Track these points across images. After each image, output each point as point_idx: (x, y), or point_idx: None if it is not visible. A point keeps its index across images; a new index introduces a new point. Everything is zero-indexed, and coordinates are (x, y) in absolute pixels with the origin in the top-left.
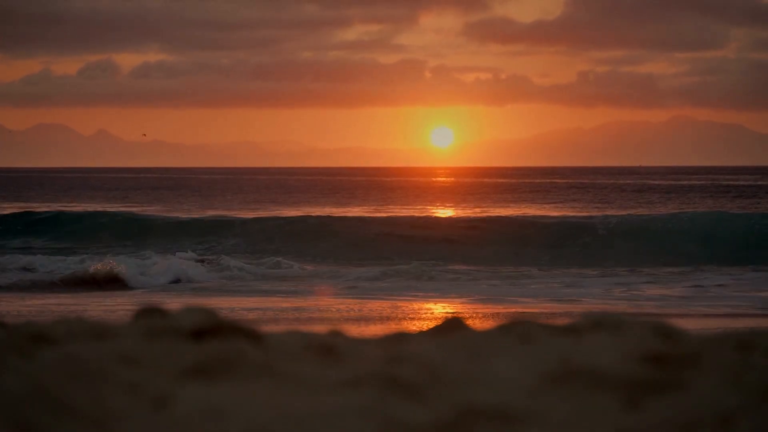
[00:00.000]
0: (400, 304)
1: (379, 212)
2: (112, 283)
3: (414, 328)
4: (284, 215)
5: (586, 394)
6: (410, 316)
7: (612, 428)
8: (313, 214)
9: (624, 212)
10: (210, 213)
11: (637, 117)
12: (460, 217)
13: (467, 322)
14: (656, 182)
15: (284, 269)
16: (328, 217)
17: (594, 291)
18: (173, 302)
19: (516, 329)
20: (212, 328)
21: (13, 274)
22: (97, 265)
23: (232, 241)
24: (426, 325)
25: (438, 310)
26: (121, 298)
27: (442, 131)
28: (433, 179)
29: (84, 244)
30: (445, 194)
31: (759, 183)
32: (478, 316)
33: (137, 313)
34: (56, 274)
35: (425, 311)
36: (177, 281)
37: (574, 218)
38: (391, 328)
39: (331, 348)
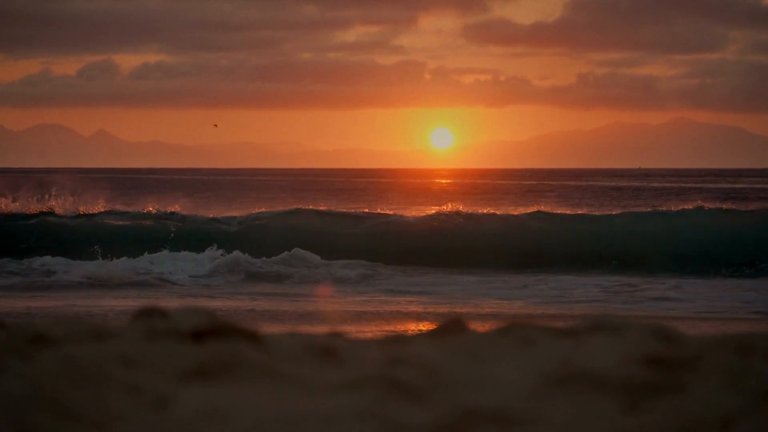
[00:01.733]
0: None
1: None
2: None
3: (414, 329)
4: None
5: (586, 397)
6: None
7: (612, 431)
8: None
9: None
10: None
11: (636, 119)
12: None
13: (467, 324)
14: (643, 184)
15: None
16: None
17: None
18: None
19: (516, 331)
20: (212, 330)
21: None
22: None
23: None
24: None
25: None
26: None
27: (442, 133)
28: (428, 181)
29: None
30: (426, 195)
31: (756, 186)
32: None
33: (136, 313)
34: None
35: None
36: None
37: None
38: (391, 329)
39: (331, 350)
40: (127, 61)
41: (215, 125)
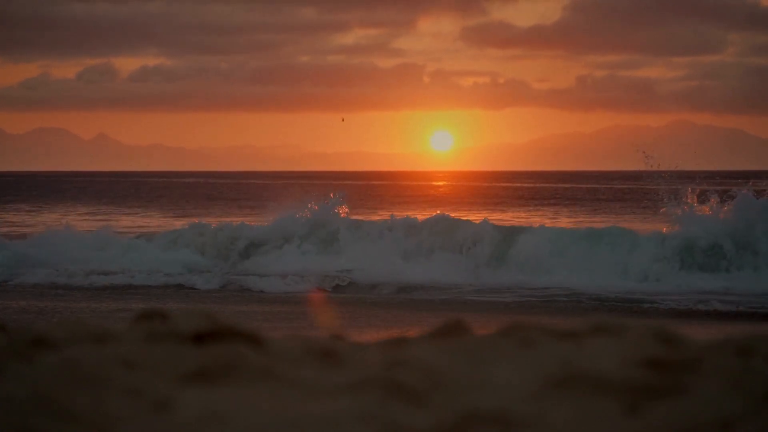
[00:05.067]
0: None
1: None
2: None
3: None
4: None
5: (587, 399)
6: None
7: None
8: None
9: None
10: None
11: (636, 121)
12: None
13: (467, 326)
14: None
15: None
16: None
17: None
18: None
19: (516, 333)
20: (213, 332)
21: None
22: None
23: None
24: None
25: None
26: None
27: (441, 135)
28: (414, 183)
29: None
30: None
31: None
32: None
33: (137, 316)
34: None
35: None
36: None
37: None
38: (391, 332)
39: (331, 352)
40: (126, 64)
41: (342, 119)
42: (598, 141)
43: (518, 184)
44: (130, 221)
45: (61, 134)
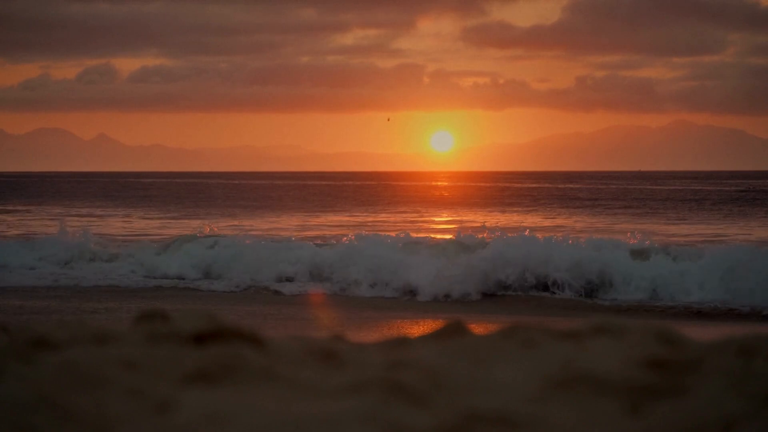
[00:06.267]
0: None
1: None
2: None
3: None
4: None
5: (589, 400)
6: None
7: None
8: None
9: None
10: None
11: (636, 121)
12: None
13: (469, 327)
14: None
15: None
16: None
17: None
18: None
19: (518, 334)
20: (213, 333)
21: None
22: None
23: None
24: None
25: None
26: None
27: (441, 136)
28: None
29: None
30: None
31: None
32: None
33: (138, 317)
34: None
35: None
36: None
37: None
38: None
39: (332, 353)
40: (126, 64)
41: (388, 119)
42: (598, 141)
43: (518, 185)
44: (129, 222)
45: (61, 134)
